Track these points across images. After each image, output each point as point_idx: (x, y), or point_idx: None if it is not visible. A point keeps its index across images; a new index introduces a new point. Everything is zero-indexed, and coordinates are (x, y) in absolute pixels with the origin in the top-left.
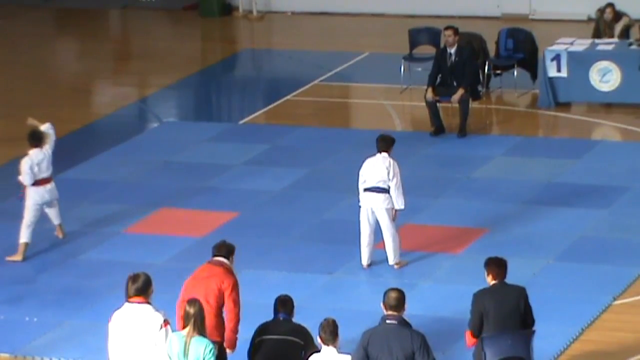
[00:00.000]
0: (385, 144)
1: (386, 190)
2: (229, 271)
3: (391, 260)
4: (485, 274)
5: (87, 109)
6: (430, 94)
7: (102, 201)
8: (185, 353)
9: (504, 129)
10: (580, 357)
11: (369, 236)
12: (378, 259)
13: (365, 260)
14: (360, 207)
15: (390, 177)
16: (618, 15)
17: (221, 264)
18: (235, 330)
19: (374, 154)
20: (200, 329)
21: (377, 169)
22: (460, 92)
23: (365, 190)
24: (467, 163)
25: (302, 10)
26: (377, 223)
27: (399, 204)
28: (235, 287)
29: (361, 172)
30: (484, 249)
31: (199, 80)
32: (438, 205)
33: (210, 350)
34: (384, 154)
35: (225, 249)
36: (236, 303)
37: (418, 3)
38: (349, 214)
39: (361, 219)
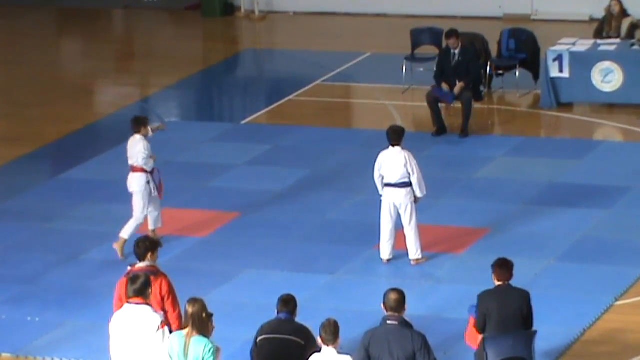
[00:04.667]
0: (398, 136)
1: (408, 184)
2: (159, 273)
3: (412, 254)
4: (492, 275)
5: (89, 108)
6: (446, 86)
7: (104, 201)
8: (185, 353)
9: (505, 130)
10: (582, 358)
11: (391, 231)
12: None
13: (386, 255)
14: (381, 201)
15: (411, 171)
16: (624, 12)
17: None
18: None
19: (387, 147)
20: (199, 329)
21: (396, 166)
22: (461, 85)
23: (387, 185)
24: (469, 163)
25: (304, 10)
26: (398, 217)
27: (420, 192)
28: (171, 289)
29: (377, 167)
30: (485, 250)
31: (201, 80)
32: (440, 205)
33: (210, 350)
34: (398, 148)
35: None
36: (175, 305)
37: (420, 3)
38: (351, 214)
39: (383, 213)
